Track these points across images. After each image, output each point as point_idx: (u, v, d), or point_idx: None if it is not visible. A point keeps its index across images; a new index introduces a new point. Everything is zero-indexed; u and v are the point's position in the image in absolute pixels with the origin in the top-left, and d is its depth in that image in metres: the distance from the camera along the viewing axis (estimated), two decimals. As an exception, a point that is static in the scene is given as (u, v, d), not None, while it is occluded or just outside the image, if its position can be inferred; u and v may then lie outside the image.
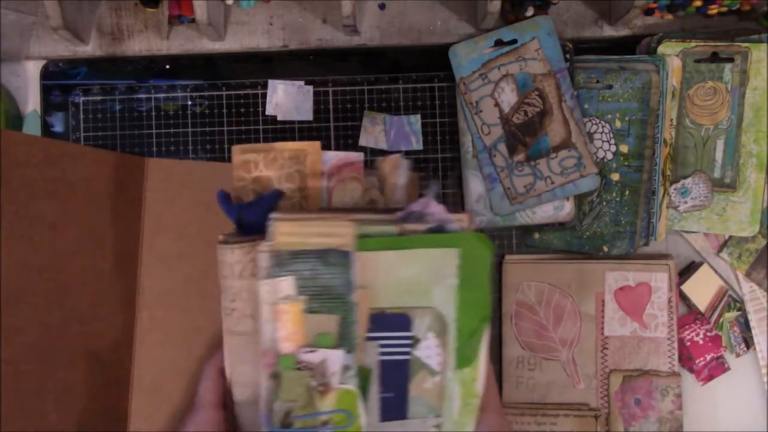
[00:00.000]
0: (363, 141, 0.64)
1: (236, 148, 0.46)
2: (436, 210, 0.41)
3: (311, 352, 0.40)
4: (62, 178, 0.55)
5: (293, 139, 0.64)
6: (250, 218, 0.44)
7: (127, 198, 0.60)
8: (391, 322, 0.41)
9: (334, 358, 0.40)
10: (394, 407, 0.42)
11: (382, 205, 0.47)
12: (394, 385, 0.42)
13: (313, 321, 0.40)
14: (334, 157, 0.47)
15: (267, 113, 0.64)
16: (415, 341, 0.41)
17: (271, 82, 0.64)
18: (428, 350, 0.42)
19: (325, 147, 0.64)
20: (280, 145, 0.46)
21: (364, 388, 0.41)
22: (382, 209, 0.46)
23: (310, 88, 0.64)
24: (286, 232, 0.40)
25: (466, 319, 0.42)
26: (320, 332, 0.40)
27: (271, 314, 0.40)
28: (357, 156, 0.47)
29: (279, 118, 0.64)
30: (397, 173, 0.47)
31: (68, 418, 0.54)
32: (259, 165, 0.46)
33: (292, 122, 0.64)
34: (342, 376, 0.40)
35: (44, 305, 0.53)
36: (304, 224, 0.40)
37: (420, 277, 0.41)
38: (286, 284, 0.40)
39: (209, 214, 0.60)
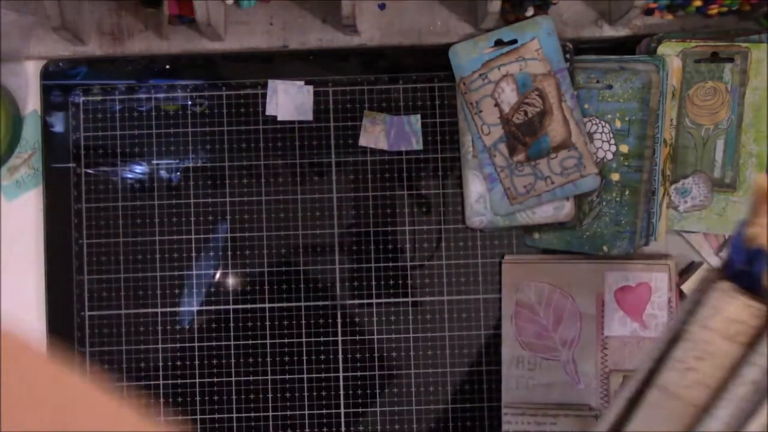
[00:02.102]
0: (363, 141, 0.64)
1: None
2: None
3: None
4: None
5: (293, 139, 0.64)
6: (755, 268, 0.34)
7: None
8: None
9: None
10: None
11: None
12: None
13: None
14: None
15: (267, 113, 0.64)
16: None
17: (271, 82, 0.64)
18: None
19: (325, 147, 0.64)
20: None
21: None
22: None
23: (310, 88, 0.64)
24: None
25: None
26: None
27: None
28: None
29: (279, 118, 0.64)
30: None
31: None
32: None
33: (292, 122, 0.64)
34: None
35: None
36: None
37: None
38: None
39: None
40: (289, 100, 0.64)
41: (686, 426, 0.33)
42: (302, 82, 0.64)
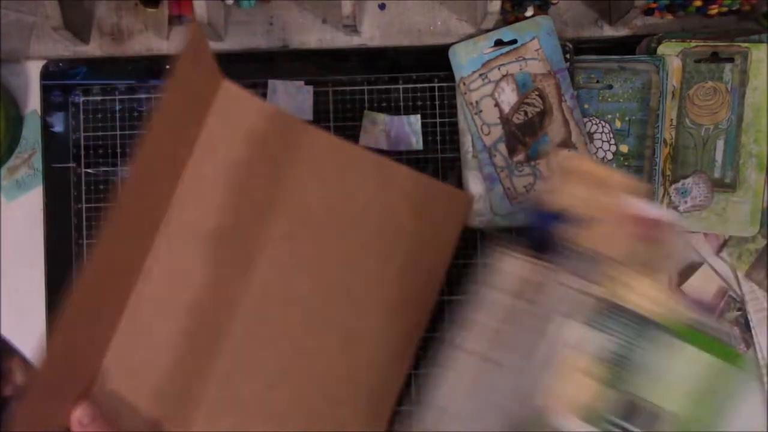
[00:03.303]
0: (363, 141, 0.64)
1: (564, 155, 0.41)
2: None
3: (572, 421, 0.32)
4: None
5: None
6: (538, 228, 0.37)
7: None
8: (638, 415, 0.34)
9: None
10: None
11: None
12: None
13: (596, 392, 0.33)
14: (651, 208, 0.41)
15: None
16: None
17: (271, 83, 0.64)
18: None
19: (325, 147, 0.64)
20: (607, 170, 0.41)
21: None
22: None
23: (310, 88, 0.64)
24: (624, 281, 0.34)
25: None
26: (594, 407, 0.33)
27: (554, 360, 0.33)
28: (669, 216, 0.41)
29: None
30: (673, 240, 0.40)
31: None
32: (583, 183, 0.40)
33: (292, 122, 0.64)
34: None
35: None
36: (648, 284, 0.34)
37: (695, 384, 0.34)
38: (595, 339, 0.33)
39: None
40: (289, 100, 0.64)
41: (489, 384, 0.35)
42: (302, 82, 0.64)
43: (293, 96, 0.64)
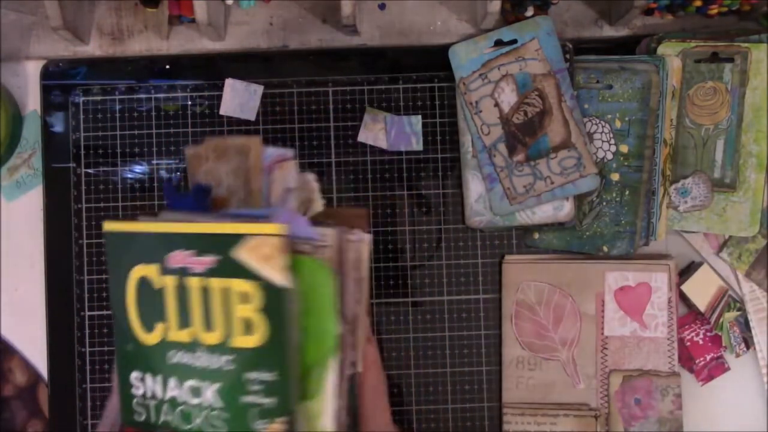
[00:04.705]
0: (362, 137, 0.64)
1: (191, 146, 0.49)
2: (300, 224, 0.41)
3: None
4: None
5: (293, 139, 0.64)
6: (177, 208, 0.46)
7: None
8: None
9: None
10: None
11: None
12: None
13: None
14: (273, 153, 0.48)
15: (221, 113, 0.64)
16: None
17: (227, 81, 0.63)
18: None
19: (325, 147, 0.64)
20: (224, 140, 0.48)
21: None
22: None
23: (260, 88, 0.63)
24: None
25: (308, 349, 0.41)
26: None
27: None
28: (288, 153, 0.49)
29: (221, 113, 0.64)
30: (287, 177, 0.48)
31: None
32: (210, 159, 0.47)
33: (291, 122, 0.64)
34: None
35: None
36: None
37: None
38: None
39: None
40: (238, 98, 0.63)
41: None
42: (254, 83, 0.63)
43: (241, 94, 0.63)
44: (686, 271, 0.64)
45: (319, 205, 0.51)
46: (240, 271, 0.41)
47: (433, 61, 0.64)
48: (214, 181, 0.47)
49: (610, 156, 0.61)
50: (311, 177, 0.51)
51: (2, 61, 0.64)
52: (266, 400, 0.41)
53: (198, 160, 0.48)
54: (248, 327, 0.41)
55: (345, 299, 0.44)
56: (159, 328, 0.44)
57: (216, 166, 0.47)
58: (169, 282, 0.43)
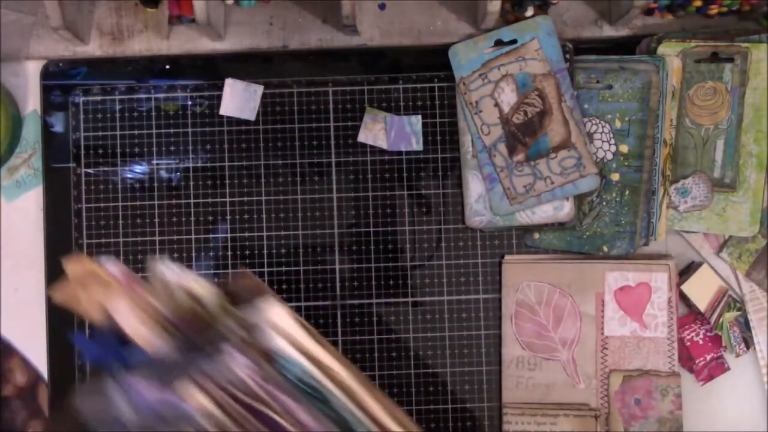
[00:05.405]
0: (362, 137, 0.64)
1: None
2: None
3: None
4: None
5: (293, 139, 0.64)
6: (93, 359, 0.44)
7: None
8: None
9: None
10: None
11: None
12: None
13: None
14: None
15: (221, 112, 0.64)
16: None
17: (227, 81, 0.63)
18: None
19: (325, 147, 0.64)
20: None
21: None
22: None
23: (260, 88, 0.63)
24: None
25: None
26: None
27: None
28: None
29: (221, 112, 0.64)
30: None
31: None
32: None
33: (291, 122, 0.64)
34: None
35: None
36: None
37: None
38: None
39: None
40: (237, 98, 0.63)
41: None
42: (254, 83, 0.63)
43: (241, 94, 0.63)
44: (686, 271, 0.64)
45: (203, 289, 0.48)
46: None
47: (433, 61, 0.64)
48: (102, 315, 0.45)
49: (610, 156, 0.61)
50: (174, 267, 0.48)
51: (2, 61, 0.64)
52: None
53: (74, 299, 0.46)
54: None
55: None
56: None
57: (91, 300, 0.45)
58: None
